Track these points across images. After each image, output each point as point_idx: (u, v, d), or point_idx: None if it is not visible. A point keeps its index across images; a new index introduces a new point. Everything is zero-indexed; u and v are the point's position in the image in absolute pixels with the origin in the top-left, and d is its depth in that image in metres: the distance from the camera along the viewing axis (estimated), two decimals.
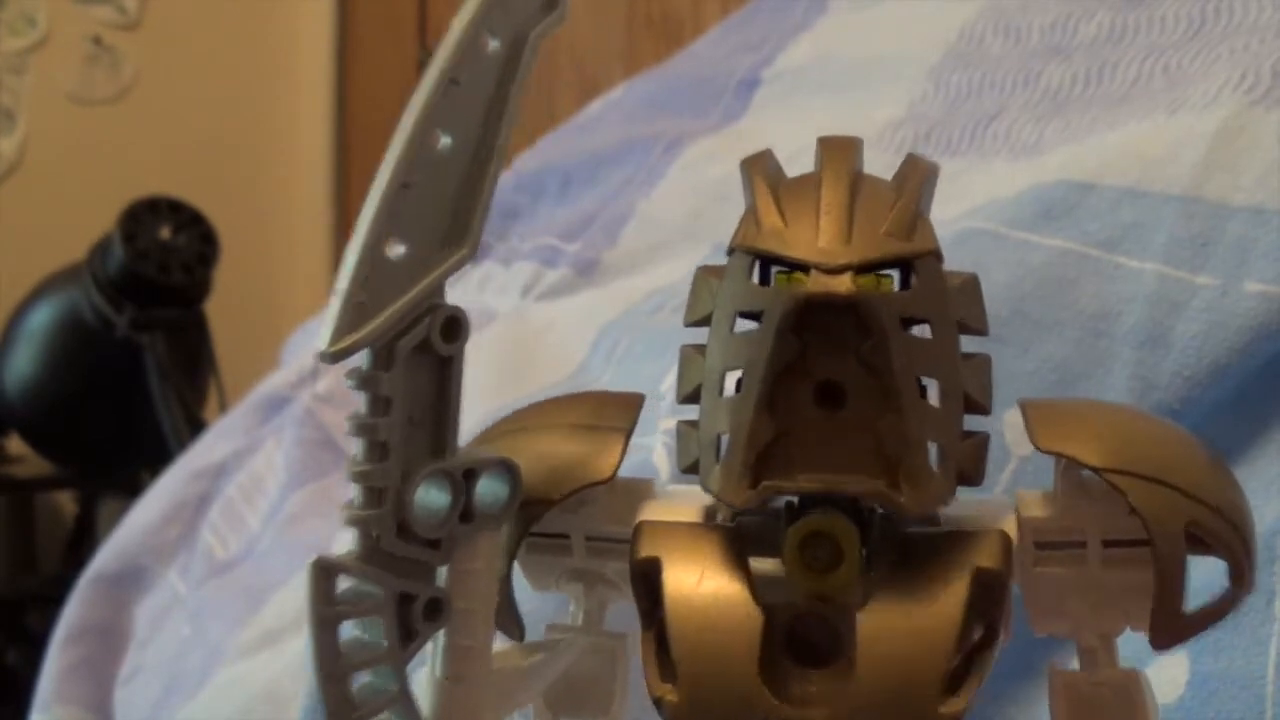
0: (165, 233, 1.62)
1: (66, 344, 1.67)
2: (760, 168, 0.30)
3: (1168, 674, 0.44)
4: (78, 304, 1.64)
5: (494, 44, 0.27)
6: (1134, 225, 0.53)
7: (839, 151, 0.29)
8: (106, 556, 0.95)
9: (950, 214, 0.60)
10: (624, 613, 0.33)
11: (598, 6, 1.88)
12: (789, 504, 0.29)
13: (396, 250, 0.27)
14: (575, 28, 1.98)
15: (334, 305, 0.27)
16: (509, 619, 0.31)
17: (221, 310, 1.72)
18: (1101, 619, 0.31)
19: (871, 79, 0.83)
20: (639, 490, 0.31)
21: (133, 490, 1.12)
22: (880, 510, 0.29)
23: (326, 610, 0.28)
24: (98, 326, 1.62)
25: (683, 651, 0.28)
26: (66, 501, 1.96)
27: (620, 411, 0.32)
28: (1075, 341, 0.51)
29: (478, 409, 0.70)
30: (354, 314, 0.27)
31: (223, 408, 1.50)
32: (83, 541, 1.76)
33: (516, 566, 0.32)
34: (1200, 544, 0.29)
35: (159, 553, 0.93)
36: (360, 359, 0.28)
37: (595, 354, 0.72)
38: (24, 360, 1.70)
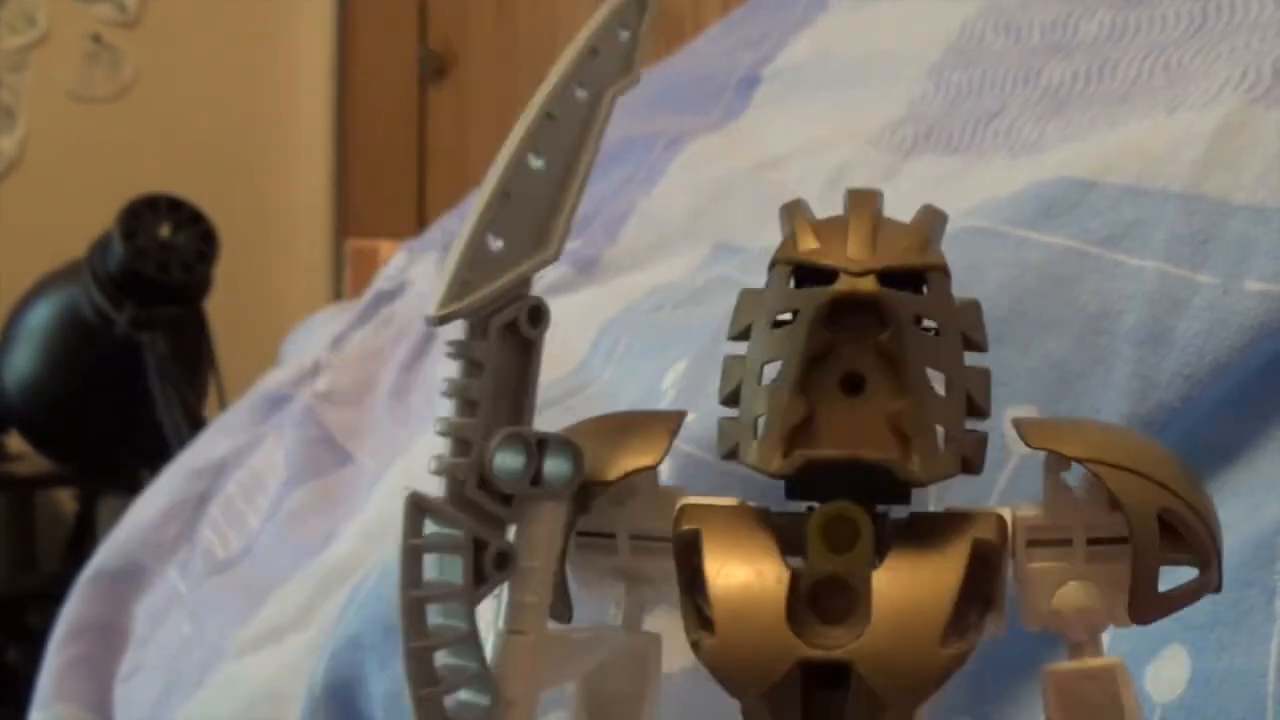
0: (165, 231, 1.62)
1: (66, 342, 1.67)
2: (799, 208, 0.34)
3: (1169, 672, 0.44)
4: (77, 302, 1.64)
5: (581, 93, 0.33)
6: (1134, 223, 0.53)
7: (865, 198, 0.34)
8: (106, 554, 0.95)
9: (950, 212, 0.59)
10: (660, 620, 0.37)
11: (598, 4, 1.88)
12: (810, 507, 0.33)
13: (496, 244, 0.33)
14: (575, 25, 1.98)
15: (442, 281, 0.32)
16: (560, 601, 0.35)
17: (221, 308, 1.72)
18: (1087, 612, 0.33)
19: (872, 77, 0.83)
20: (678, 493, 0.35)
21: (133, 488, 1.12)
22: (888, 511, 0.33)
23: (415, 542, 0.32)
24: (97, 324, 1.62)
25: (720, 603, 0.32)
26: (66, 499, 1.96)
27: (664, 417, 0.36)
28: (1075, 340, 0.51)
29: None
30: (459, 289, 0.32)
31: (222, 405, 1.50)
32: (83, 539, 1.76)
33: (567, 564, 0.35)
34: (1171, 534, 0.32)
35: (159, 550, 0.93)
36: (458, 334, 0.33)
37: (596, 352, 0.72)
38: (24, 358, 1.70)
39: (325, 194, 2.36)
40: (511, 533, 0.33)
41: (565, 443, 0.33)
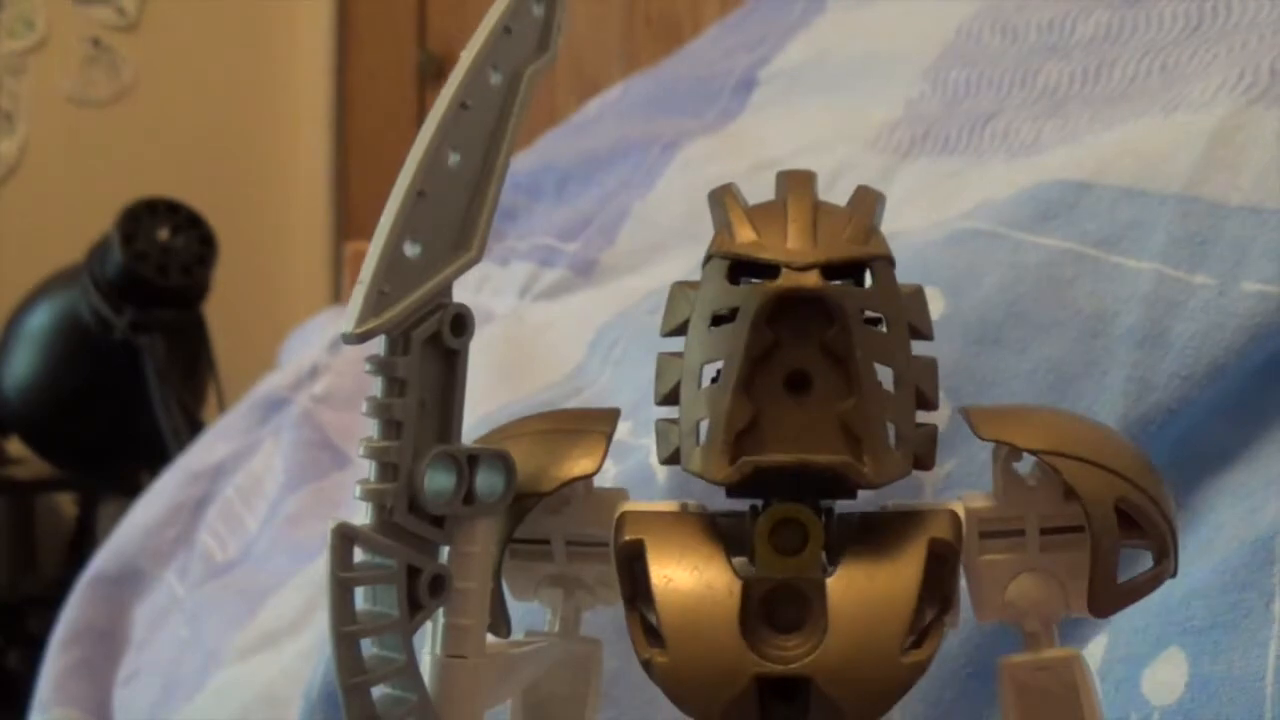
0: (164, 234, 1.62)
1: (65, 345, 1.67)
2: (730, 194, 0.33)
3: (1167, 675, 0.44)
4: (77, 305, 1.64)
5: (496, 77, 0.31)
6: (1131, 225, 0.53)
7: (800, 180, 0.33)
8: (105, 558, 0.95)
9: (947, 214, 0.59)
10: (597, 623, 0.35)
11: (597, 5, 1.88)
12: (753, 506, 0.32)
13: (413, 250, 0.30)
14: (574, 28, 1.98)
15: (358, 293, 0.30)
16: (498, 615, 0.33)
17: (220, 312, 1.72)
18: (1041, 602, 0.33)
19: (869, 78, 0.82)
20: (616, 497, 0.34)
21: (132, 491, 1.12)
22: (833, 506, 0.32)
23: (345, 575, 0.30)
24: (96, 328, 1.62)
25: (670, 618, 0.31)
26: (66, 503, 1.96)
27: (599, 419, 0.34)
28: (1073, 341, 0.51)
29: (476, 409, 0.70)
30: (376, 302, 0.30)
31: (221, 409, 1.50)
32: (83, 543, 1.76)
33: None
34: (1128, 524, 0.32)
35: (157, 554, 0.92)
36: (378, 347, 0.31)
37: (593, 355, 0.72)
38: (23, 362, 1.70)
39: (324, 197, 2.36)
40: (444, 554, 0.32)
41: (497, 456, 0.32)
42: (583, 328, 0.75)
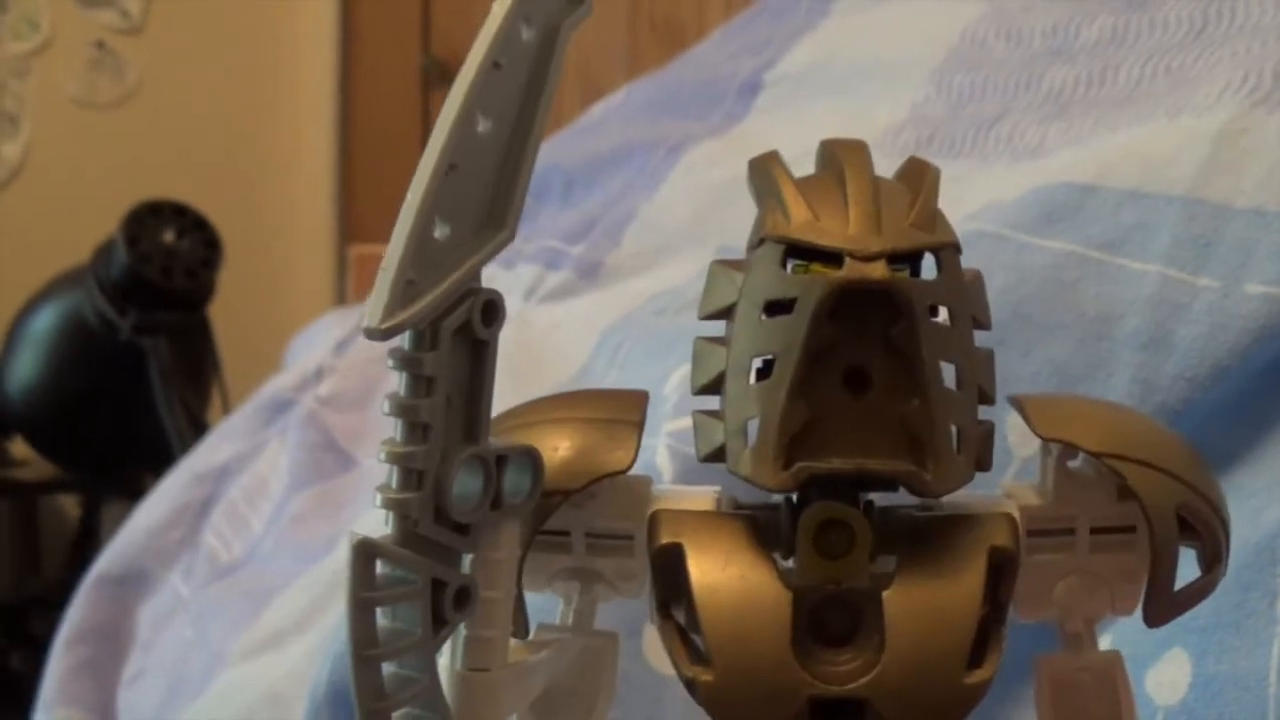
0: (169, 236, 1.62)
1: (70, 347, 1.67)
2: (778, 165, 0.30)
3: (1170, 675, 0.44)
4: (81, 307, 1.64)
5: (529, 33, 0.28)
6: (1136, 227, 0.53)
7: (855, 150, 0.30)
8: (109, 559, 0.95)
9: (952, 216, 0.59)
10: (608, 613, 0.34)
11: (601, 9, 1.88)
12: (788, 499, 0.30)
13: (442, 231, 0.27)
14: (579, 30, 1.98)
15: (383, 283, 0.26)
16: (518, 615, 0.31)
17: (225, 313, 1.72)
18: (1087, 603, 0.32)
19: (874, 81, 0.83)
20: (640, 487, 0.32)
21: (136, 493, 1.12)
22: (875, 500, 0.30)
23: (368, 594, 0.27)
24: (101, 330, 1.62)
25: (715, 633, 0.29)
26: (70, 504, 1.96)
27: (629, 405, 0.32)
28: (1077, 344, 0.51)
29: None
30: (404, 292, 0.26)
31: (226, 410, 1.50)
32: (86, 544, 1.76)
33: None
34: (1185, 527, 0.31)
35: (161, 555, 0.93)
36: (399, 339, 0.28)
37: (598, 357, 0.72)
38: (28, 364, 1.70)
39: (329, 200, 2.36)
40: (467, 561, 0.29)
41: (525, 454, 0.29)
42: (588, 330, 0.75)
